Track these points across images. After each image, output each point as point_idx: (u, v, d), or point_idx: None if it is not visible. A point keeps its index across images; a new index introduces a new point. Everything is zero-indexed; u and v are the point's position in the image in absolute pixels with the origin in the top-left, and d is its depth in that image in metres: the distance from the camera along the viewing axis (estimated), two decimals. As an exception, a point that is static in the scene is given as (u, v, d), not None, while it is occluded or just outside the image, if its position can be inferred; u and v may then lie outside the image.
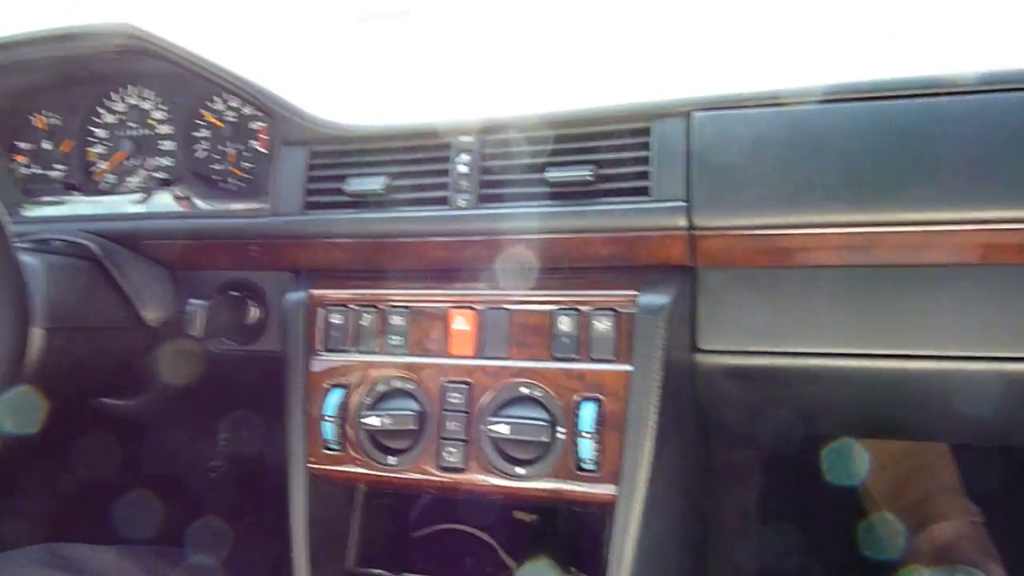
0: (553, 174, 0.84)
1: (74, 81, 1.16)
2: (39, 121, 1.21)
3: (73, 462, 1.56)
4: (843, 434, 1.15)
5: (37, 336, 0.92)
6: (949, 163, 0.72)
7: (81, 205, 1.16)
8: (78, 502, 1.39)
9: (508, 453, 0.83)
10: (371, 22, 1.41)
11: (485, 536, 1.04)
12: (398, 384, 0.88)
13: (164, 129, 1.14)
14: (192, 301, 0.94)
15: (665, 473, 0.80)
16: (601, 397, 0.80)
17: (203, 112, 1.12)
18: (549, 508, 1.05)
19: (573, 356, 0.82)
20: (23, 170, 1.23)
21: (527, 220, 0.84)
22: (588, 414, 0.79)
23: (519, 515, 1.10)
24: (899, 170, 0.73)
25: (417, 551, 1.03)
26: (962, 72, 0.73)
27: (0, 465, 1.41)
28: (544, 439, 0.80)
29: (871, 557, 1.32)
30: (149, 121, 1.15)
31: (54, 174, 1.21)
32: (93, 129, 1.18)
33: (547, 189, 0.85)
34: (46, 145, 1.21)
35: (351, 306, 0.92)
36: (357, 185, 0.91)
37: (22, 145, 1.23)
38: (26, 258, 0.93)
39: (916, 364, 0.76)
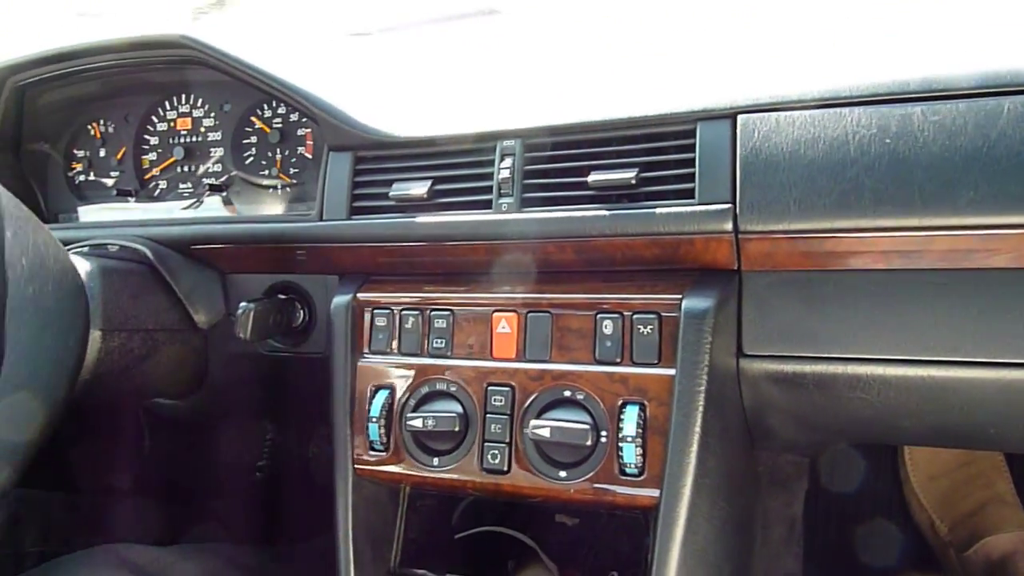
0: (596, 177, 0.84)
1: (128, 90, 1.20)
2: (95, 130, 1.25)
3: (125, 461, 1.61)
4: (892, 442, 1.12)
5: (94, 338, 0.95)
6: (1003, 165, 0.70)
7: (134, 211, 1.20)
8: (131, 501, 1.43)
9: (550, 456, 0.83)
10: (364, 37, 1.42)
11: (527, 539, 1.04)
12: (441, 386, 0.89)
13: (214, 136, 1.17)
14: (241, 304, 0.97)
15: (709, 478, 0.80)
16: (644, 401, 0.80)
17: (252, 119, 1.14)
18: (591, 512, 1.05)
19: (616, 359, 0.82)
20: (80, 177, 1.27)
21: (570, 224, 0.84)
22: (631, 418, 0.79)
23: (561, 518, 1.10)
24: (950, 172, 0.72)
25: (459, 552, 1.04)
26: (1016, 70, 0.71)
27: (59, 463, 1.46)
28: (587, 443, 0.80)
29: (920, 568, 1.29)
30: (200, 129, 1.18)
31: (109, 181, 1.25)
32: (146, 137, 1.22)
33: (590, 192, 0.85)
34: (101, 153, 1.26)
35: (395, 309, 0.93)
36: (402, 190, 0.92)
37: (79, 152, 1.27)
38: (83, 262, 0.96)
39: (965, 371, 0.75)
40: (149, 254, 1.04)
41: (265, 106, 1.13)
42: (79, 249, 1.04)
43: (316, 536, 1.21)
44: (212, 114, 1.17)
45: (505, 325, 0.87)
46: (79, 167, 1.27)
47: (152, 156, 1.22)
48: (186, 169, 1.19)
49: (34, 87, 1.17)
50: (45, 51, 1.13)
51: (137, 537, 1.14)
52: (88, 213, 1.24)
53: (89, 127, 1.25)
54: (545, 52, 1.20)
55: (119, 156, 1.24)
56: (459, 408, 0.88)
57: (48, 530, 1.20)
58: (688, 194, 0.81)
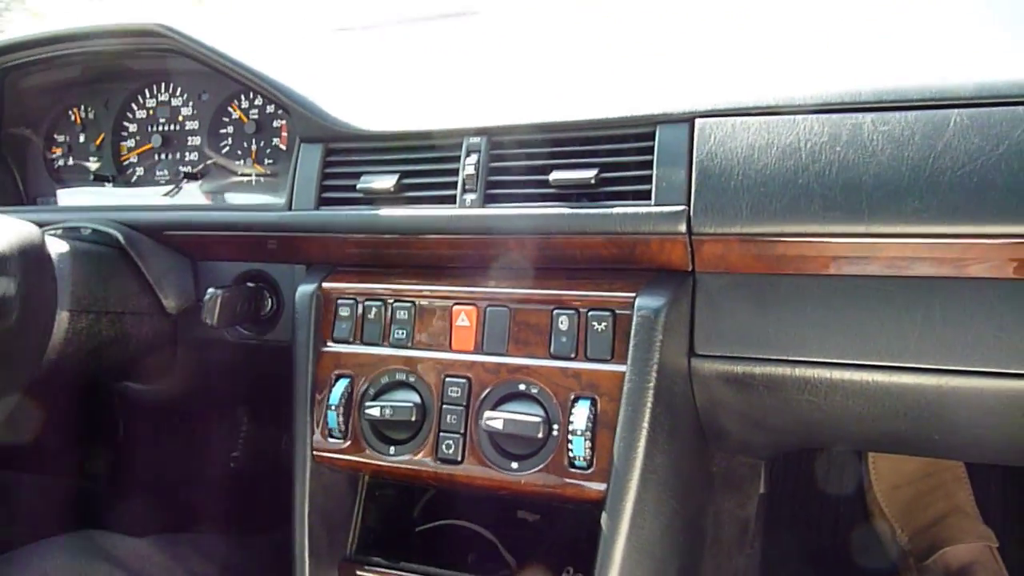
0: (558, 175, 0.85)
1: (108, 77, 1.21)
2: (75, 115, 1.27)
3: (100, 447, 1.61)
4: (841, 446, 1.14)
5: (62, 319, 0.96)
6: (948, 176, 0.72)
7: (111, 196, 1.21)
8: (103, 487, 1.44)
9: (503, 448, 0.85)
10: (347, 32, 1.44)
11: (487, 532, 1.05)
12: (401, 376, 0.91)
13: (191, 125, 1.19)
14: (209, 290, 0.98)
15: (657, 474, 0.81)
16: (596, 396, 0.82)
17: (229, 109, 1.16)
18: (552, 508, 1.06)
19: (571, 355, 0.84)
20: (59, 161, 1.28)
21: (530, 220, 0.86)
22: (582, 412, 0.81)
23: (523, 514, 1.11)
24: (897, 182, 0.73)
25: (418, 545, 1.05)
26: (963, 84, 0.73)
27: (32, 447, 1.47)
28: (539, 435, 0.82)
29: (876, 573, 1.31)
30: (178, 117, 1.19)
31: (88, 166, 1.26)
32: (125, 124, 1.23)
33: (551, 191, 0.87)
34: (81, 138, 1.27)
35: (359, 299, 0.95)
36: (369, 182, 0.94)
37: (59, 137, 1.29)
38: (54, 243, 0.97)
39: (908, 377, 0.76)
40: (120, 238, 1.05)
41: (242, 96, 1.15)
42: (52, 231, 1.05)
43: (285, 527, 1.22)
44: (190, 103, 1.18)
45: (464, 318, 0.89)
46: (59, 152, 1.29)
47: (130, 143, 1.23)
48: (163, 156, 1.20)
49: (16, 71, 1.19)
50: (27, 35, 1.14)
51: (109, 524, 1.15)
52: (66, 197, 1.26)
53: (70, 112, 1.27)
54: (520, 52, 1.22)
55: (98, 142, 1.25)
56: (417, 398, 0.89)
57: (20, 513, 1.21)
58: (645, 195, 0.83)
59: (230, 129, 1.16)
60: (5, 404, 0.81)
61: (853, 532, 1.37)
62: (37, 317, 0.84)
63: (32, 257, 0.81)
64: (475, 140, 0.91)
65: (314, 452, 0.93)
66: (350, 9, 1.50)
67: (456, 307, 0.90)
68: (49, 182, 1.28)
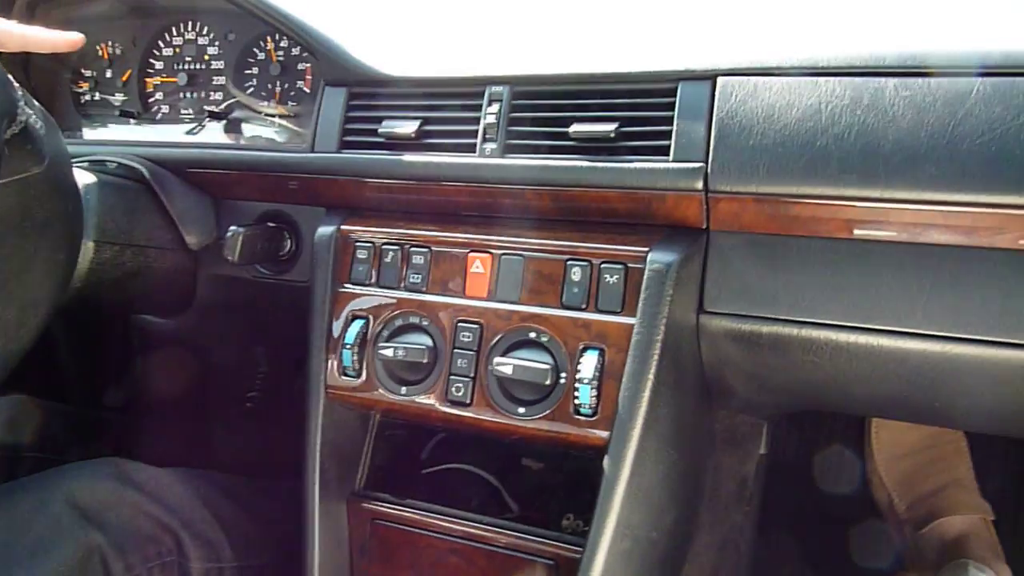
0: (577, 128, 0.86)
1: (137, 13, 1.22)
2: (103, 50, 1.28)
3: (116, 378, 1.66)
4: (844, 409, 1.16)
5: (87, 248, 0.99)
6: (967, 144, 0.72)
7: (136, 131, 1.23)
8: (125, 418, 1.48)
9: (511, 393, 0.87)
10: None
11: (491, 478, 1.08)
12: (414, 319, 0.93)
13: (217, 64, 1.19)
14: (231, 228, 1.00)
15: (659, 425, 0.83)
16: (604, 347, 0.83)
17: (255, 50, 1.17)
18: (554, 457, 1.09)
19: (581, 305, 0.85)
20: (85, 96, 1.30)
21: (549, 172, 0.87)
22: (590, 362, 0.83)
23: (527, 462, 1.14)
24: (916, 147, 0.74)
25: (424, 484, 1.08)
26: (989, 52, 0.73)
27: (54, 374, 1.51)
28: (546, 382, 0.84)
29: (873, 542, 1.33)
30: (204, 56, 1.20)
31: (114, 101, 1.27)
32: (152, 61, 1.25)
33: (571, 143, 0.87)
34: (108, 73, 1.28)
35: (376, 243, 0.96)
36: (391, 127, 0.95)
37: (86, 72, 1.30)
38: (81, 175, 0.99)
39: (912, 343, 0.78)
40: (146, 173, 1.07)
41: (268, 38, 1.16)
42: (79, 163, 1.07)
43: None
44: (217, 42, 1.19)
45: (479, 265, 0.91)
46: (85, 86, 1.30)
47: (156, 80, 1.24)
48: (188, 95, 1.21)
49: (46, 3, 1.20)
50: (56, -33, 1.15)
51: (130, 454, 1.19)
52: (91, 131, 1.27)
53: (97, 47, 1.28)
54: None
55: (124, 78, 1.26)
56: (429, 341, 0.91)
57: (45, 438, 1.25)
58: (664, 151, 0.83)
59: (255, 70, 1.17)
60: (28, 336, 0.83)
61: (851, 499, 1.39)
62: (64, 198, 0.85)
63: (53, 131, 0.81)
64: (497, 89, 0.91)
65: (328, 389, 0.96)
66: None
67: (471, 254, 0.91)
68: (75, 116, 1.30)
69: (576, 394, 0.83)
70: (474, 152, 0.91)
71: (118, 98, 1.27)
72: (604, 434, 0.82)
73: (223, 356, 1.66)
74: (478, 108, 0.92)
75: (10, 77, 0.69)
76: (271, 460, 1.63)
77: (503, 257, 0.90)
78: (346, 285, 0.97)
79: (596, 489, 0.84)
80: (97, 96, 1.29)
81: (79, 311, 1.00)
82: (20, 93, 0.71)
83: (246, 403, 1.71)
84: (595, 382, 0.82)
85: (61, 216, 0.85)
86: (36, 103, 0.75)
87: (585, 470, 1.05)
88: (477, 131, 0.92)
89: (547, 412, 0.85)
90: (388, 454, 1.06)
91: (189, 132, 1.17)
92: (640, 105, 0.85)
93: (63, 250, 0.88)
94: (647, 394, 0.81)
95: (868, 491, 1.43)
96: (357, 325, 0.94)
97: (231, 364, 1.69)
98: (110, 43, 1.27)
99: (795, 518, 1.32)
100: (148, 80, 1.25)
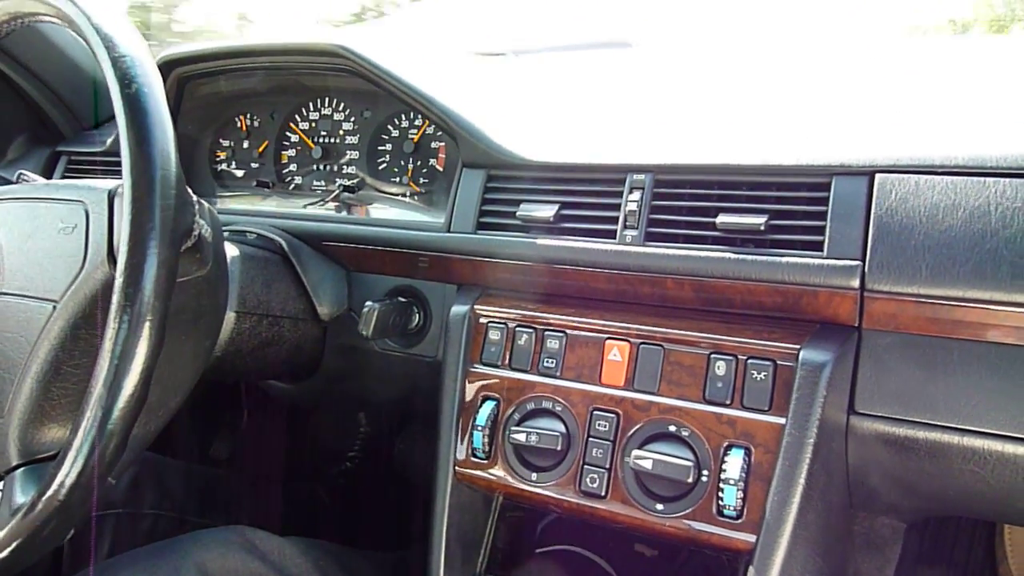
0: (725, 219, 0.85)
1: (277, 89, 1.28)
2: (242, 122, 1.34)
3: (223, 436, 1.70)
4: (1001, 520, 1.08)
5: (229, 319, 1.02)
6: None
7: (270, 202, 1.28)
8: (234, 476, 1.51)
9: (649, 488, 0.85)
10: (497, 57, 1.46)
11: (604, 563, 1.05)
12: (547, 404, 0.92)
13: (351, 140, 1.24)
14: (368, 303, 1.02)
15: (807, 530, 0.80)
16: (751, 446, 0.81)
17: (389, 127, 1.20)
18: (670, 545, 1.05)
19: (726, 401, 0.83)
20: (222, 165, 1.36)
21: (694, 262, 0.86)
22: (736, 461, 0.80)
23: (640, 548, 1.11)
24: (1099, 254, 0.70)
25: (537, 566, 1.06)
26: None
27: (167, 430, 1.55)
28: (688, 479, 0.82)
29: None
30: (339, 132, 1.25)
31: (249, 171, 1.33)
32: (288, 134, 1.30)
33: (716, 234, 0.86)
34: (245, 144, 1.34)
35: (510, 324, 0.97)
36: (529, 211, 0.96)
37: (224, 142, 1.37)
38: (227, 246, 1.03)
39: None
40: (284, 245, 1.11)
41: (403, 116, 1.19)
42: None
43: (405, 544, 1.25)
44: (352, 119, 1.24)
45: (617, 353, 0.90)
46: (223, 156, 1.37)
47: (291, 152, 1.30)
48: (322, 168, 1.26)
49: (196, 79, 1.27)
50: (212, 47, 1.22)
51: (243, 514, 1.21)
52: (226, 200, 1.33)
53: (237, 119, 1.34)
54: (676, 87, 1.22)
55: (260, 149, 1.32)
56: (562, 428, 0.90)
57: (163, 496, 1.28)
58: (816, 246, 0.82)
59: (388, 147, 1.21)
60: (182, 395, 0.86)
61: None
62: (217, 295, 0.89)
63: (218, 232, 0.86)
64: (639, 177, 0.92)
65: (456, 468, 0.96)
66: (500, 35, 1.54)
67: (608, 341, 0.90)
68: (212, 185, 1.37)
69: (720, 494, 0.80)
70: (614, 238, 0.91)
71: (253, 169, 1.33)
72: (750, 538, 0.79)
73: (328, 417, 1.69)
74: (619, 195, 0.92)
75: (190, 191, 0.73)
76: (372, 526, 1.63)
77: (642, 346, 0.88)
78: (477, 365, 0.98)
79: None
80: (233, 166, 1.35)
81: (213, 376, 1.02)
82: (196, 207, 0.75)
83: (346, 463, 1.73)
84: (741, 483, 0.79)
85: (213, 310, 0.89)
86: (206, 206, 0.79)
87: (701, 560, 1.02)
88: (617, 217, 0.92)
89: (688, 511, 0.82)
90: (507, 535, 1.04)
91: (321, 204, 1.21)
92: (791, 198, 0.84)
93: (210, 338, 0.91)
94: (797, 498, 0.78)
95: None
96: (489, 406, 0.94)
97: (334, 426, 1.72)
98: (248, 116, 1.34)
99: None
100: (283, 153, 1.30)
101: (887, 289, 0.78)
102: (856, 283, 0.79)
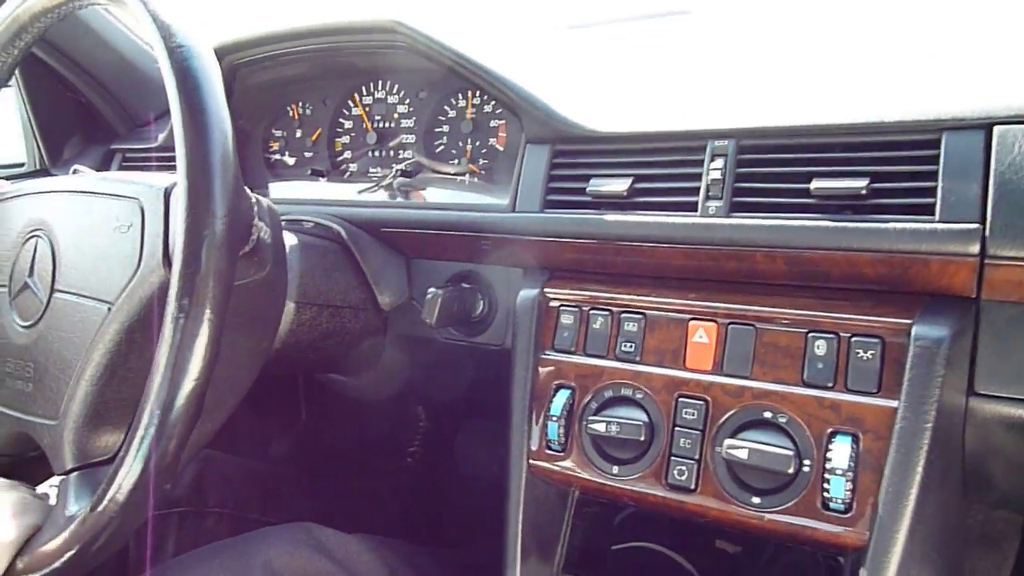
0: (819, 184, 0.77)
1: (330, 73, 1.24)
2: (294, 111, 1.31)
3: (283, 432, 1.68)
4: None
5: (289, 310, 0.98)
6: None
7: (325, 190, 1.24)
8: (296, 473, 1.48)
9: (743, 480, 0.78)
10: (552, 31, 1.40)
11: (684, 561, 0.99)
12: (627, 392, 0.86)
13: (406, 123, 1.19)
14: (430, 290, 0.97)
15: (924, 525, 0.72)
16: (858, 433, 0.73)
17: (446, 108, 1.15)
18: (754, 541, 0.98)
19: (828, 384, 0.76)
20: (275, 155, 1.33)
21: (785, 232, 0.79)
22: (843, 450, 0.73)
23: (722, 544, 1.04)
24: None
25: (613, 563, 1.00)
26: None
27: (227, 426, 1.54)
28: (788, 470, 0.75)
29: None
30: (394, 115, 1.20)
31: (302, 160, 1.29)
32: (341, 120, 1.26)
33: (810, 201, 0.79)
34: (298, 133, 1.31)
35: (583, 308, 0.90)
36: (600, 186, 0.90)
37: (276, 132, 1.33)
38: (286, 236, 0.99)
39: None
40: (343, 233, 1.06)
41: (460, 95, 1.14)
42: (279, 223, 1.08)
43: (477, 538, 1.20)
44: (407, 101, 1.19)
45: (703, 335, 0.83)
46: (276, 146, 1.33)
47: (345, 139, 1.25)
48: (377, 154, 1.21)
49: (246, 67, 1.23)
50: (259, 32, 1.18)
51: (307, 513, 1.17)
52: (281, 190, 1.30)
53: (289, 108, 1.31)
54: (743, 52, 1.14)
55: (314, 137, 1.28)
56: (644, 417, 0.84)
57: (227, 494, 1.26)
58: (926, 210, 0.73)
59: (445, 128, 1.15)
60: (252, 366, 0.83)
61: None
62: (276, 295, 0.86)
63: (278, 232, 0.83)
64: (721, 143, 0.84)
65: (530, 461, 0.90)
66: (554, 9, 1.47)
67: (693, 322, 0.84)
68: (265, 175, 1.33)
69: (826, 486, 0.73)
70: (695, 211, 0.84)
71: (307, 157, 1.29)
72: (862, 534, 0.72)
73: (388, 411, 1.65)
74: (699, 164, 0.85)
75: (248, 192, 0.70)
76: (435, 522, 1.59)
77: (731, 326, 0.81)
78: (549, 351, 0.92)
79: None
80: (287, 155, 1.31)
81: (272, 369, 0.99)
82: (255, 208, 0.71)
83: (407, 458, 1.69)
84: (850, 473, 0.72)
85: (272, 310, 0.86)
86: (265, 205, 0.76)
87: (799, 563, 0.94)
88: (698, 188, 0.85)
89: (789, 505, 0.75)
90: (583, 532, 0.98)
91: (378, 190, 1.16)
92: (895, 158, 0.76)
93: (268, 337, 0.88)
94: (915, 490, 0.70)
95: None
96: (563, 396, 0.88)
97: (395, 419, 1.68)
98: (300, 104, 1.30)
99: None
100: (337, 140, 1.26)
101: (1012, 255, 0.69)
102: (975, 248, 0.70)
